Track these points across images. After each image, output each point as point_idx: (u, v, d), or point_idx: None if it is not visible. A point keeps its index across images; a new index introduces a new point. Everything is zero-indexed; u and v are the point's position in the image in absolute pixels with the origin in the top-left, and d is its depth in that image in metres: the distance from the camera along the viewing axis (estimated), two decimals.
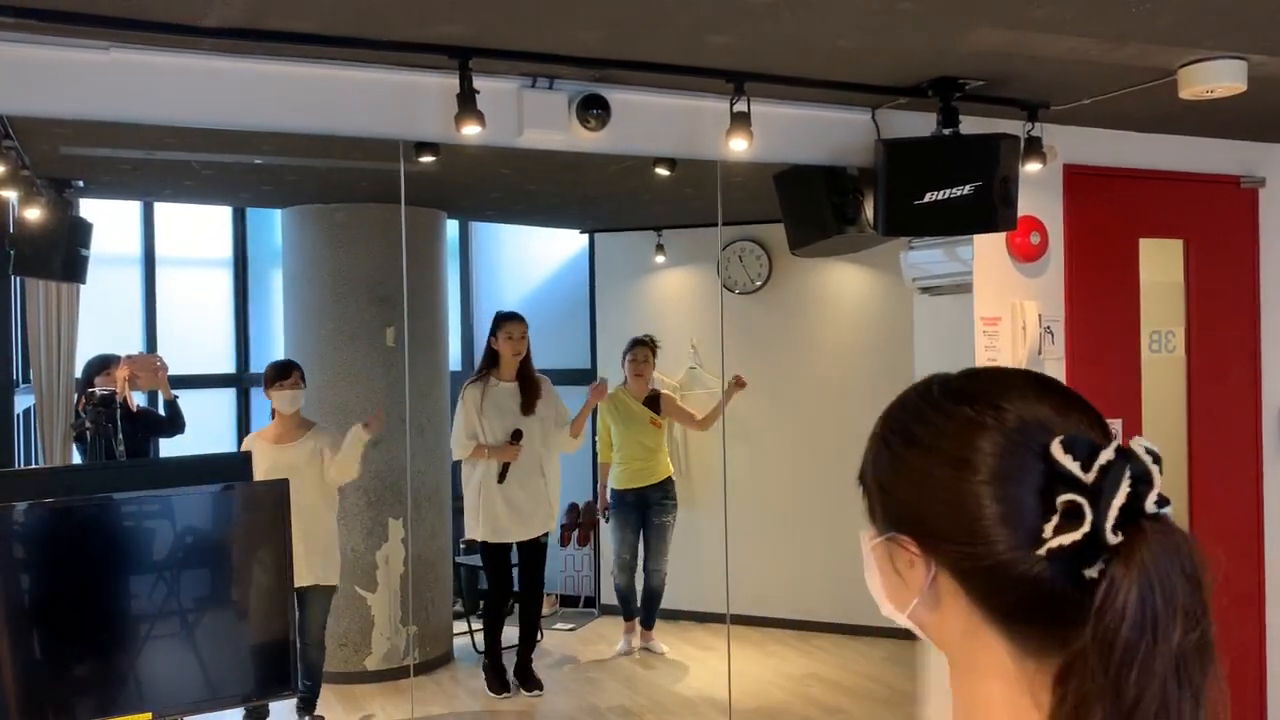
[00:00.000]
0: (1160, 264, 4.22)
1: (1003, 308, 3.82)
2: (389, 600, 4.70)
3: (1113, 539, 0.78)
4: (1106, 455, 0.80)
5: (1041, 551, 0.80)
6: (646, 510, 5.39)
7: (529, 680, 4.87)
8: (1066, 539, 0.78)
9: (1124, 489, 0.78)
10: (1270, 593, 4.34)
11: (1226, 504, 4.27)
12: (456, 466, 4.97)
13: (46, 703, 2.42)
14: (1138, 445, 0.82)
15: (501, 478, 4.73)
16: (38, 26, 2.56)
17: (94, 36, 2.64)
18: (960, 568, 0.84)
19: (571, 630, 5.67)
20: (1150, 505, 0.79)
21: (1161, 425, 4.18)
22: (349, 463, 4.23)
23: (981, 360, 3.81)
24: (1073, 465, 0.80)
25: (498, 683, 4.79)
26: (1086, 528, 0.78)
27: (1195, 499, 4.23)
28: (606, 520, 5.46)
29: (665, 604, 5.64)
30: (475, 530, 4.79)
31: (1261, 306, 4.32)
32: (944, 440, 0.86)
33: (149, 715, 2.45)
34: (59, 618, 2.45)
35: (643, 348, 5.36)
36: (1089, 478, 0.79)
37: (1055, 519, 0.79)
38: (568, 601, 5.89)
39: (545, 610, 5.61)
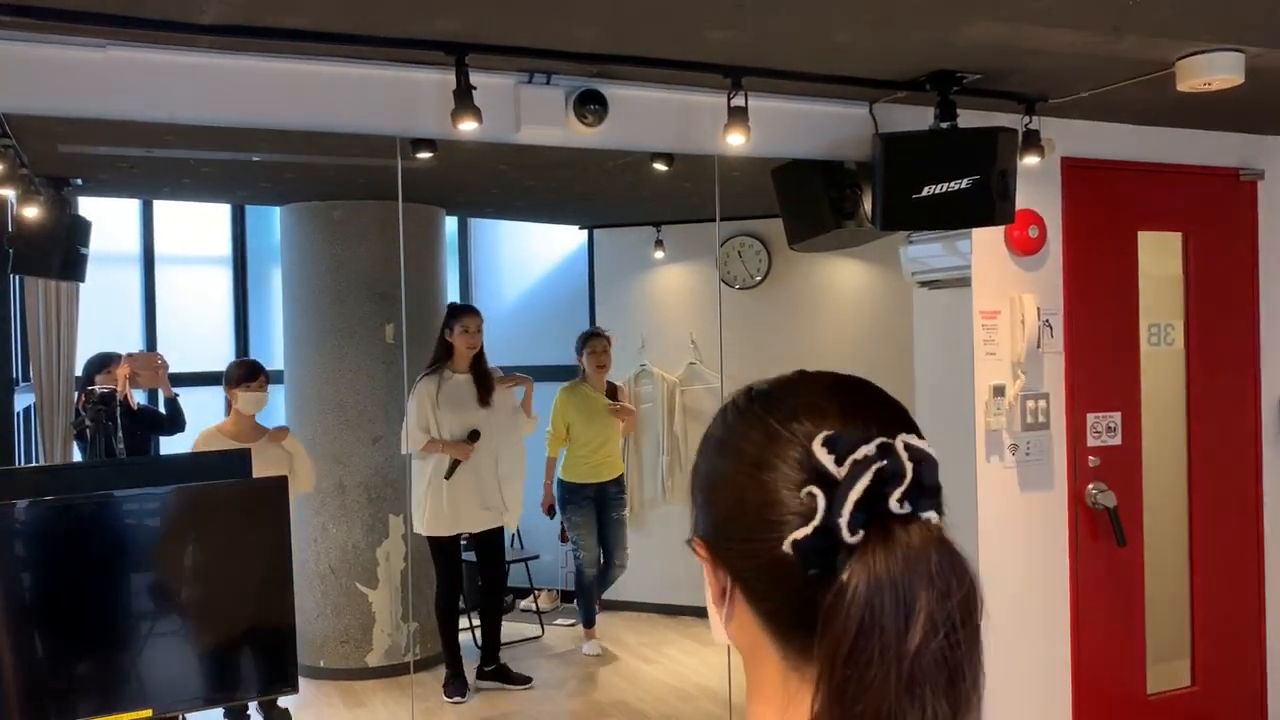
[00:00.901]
0: (1159, 257, 4.22)
1: (1001, 301, 3.83)
2: (390, 597, 4.71)
3: (849, 537, 0.74)
4: (864, 451, 0.77)
5: (785, 548, 0.77)
6: (604, 506, 5.35)
7: (509, 675, 4.84)
8: (800, 533, 0.76)
9: (862, 483, 0.75)
10: (1270, 583, 4.34)
11: (1226, 495, 4.28)
12: None
13: (47, 700, 2.42)
14: (904, 444, 0.78)
15: (449, 474, 4.68)
16: (34, 24, 2.56)
17: (91, 34, 2.64)
18: (737, 568, 0.83)
19: (573, 625, 5.67)
20: (895, 504, 0.75)
21: (1161, 418, 4.18)
22: (309, 475, 4.24)
23: (980, 354, 3.81)
24: (826, 459, 0.77)
25: (453, 686, 4.65)
26: (818, 521, 0.75)
27: (1195, 491, 4.24)
28: (553, 516, 5.38)
29: (668, 599, 5.65)
30: (421, 524, 4.72)
31: (1260, 299, 4.33)
32: (739, 440, 0.85)
33: (149, 712, 2.46)
34: (60, 615, 2.46)
35: (602, 339, 5.31)
36: (839, 472, 0.77)
37: (811, 518, 0.77)
38: (568, 597, 5.89)
39: (546, 606, 5.62)
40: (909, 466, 0.77)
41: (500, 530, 4.90)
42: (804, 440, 0.80)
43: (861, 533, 0.74)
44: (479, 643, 5.15)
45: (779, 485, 0.79)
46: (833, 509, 0.75)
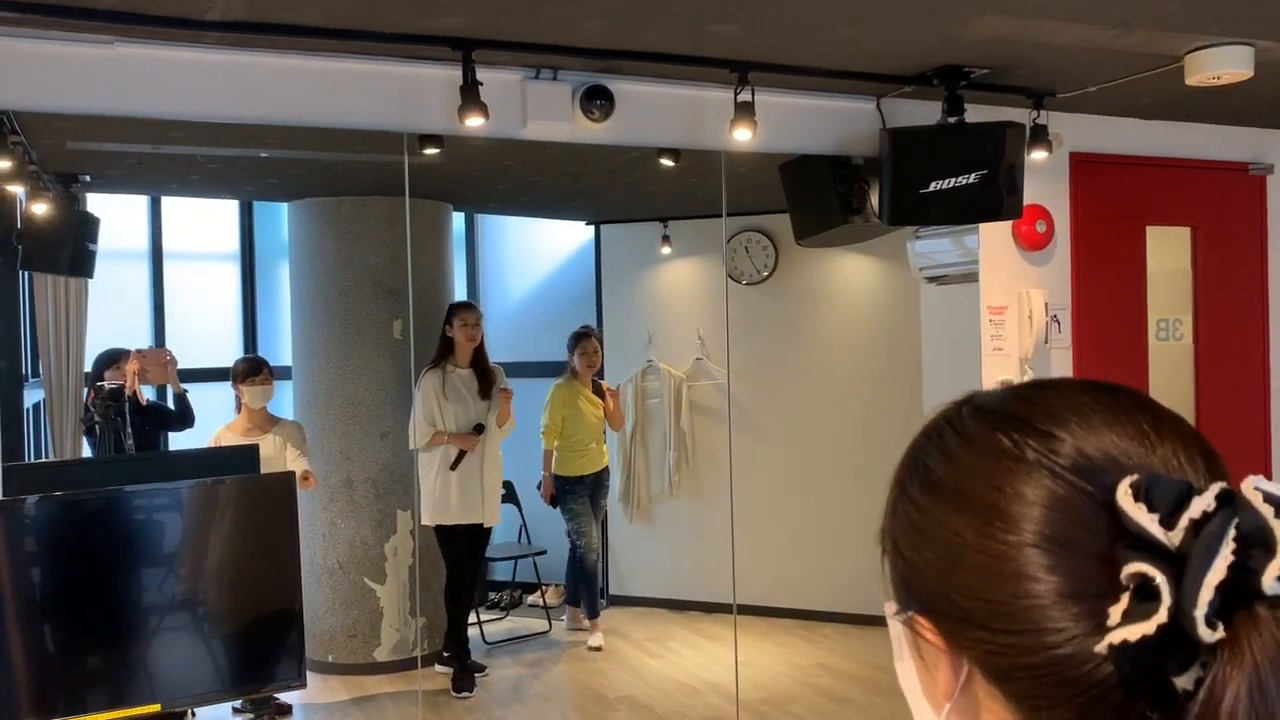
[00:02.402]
0: (1167, 251, 4.21)
1: (1009, 296, 3.82)
2: (398, 592, 4.72)
3: (1207, 634, 0.53)
4: (1202, 504, 0.54)
5: (1101, 647, 0.55)
6: (595, 493, 5.44)
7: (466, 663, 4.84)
8: (1134, 632, 0.54)
9: (1224, 557, 0.53)
10: None
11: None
12: None
13: (58, 694, 2.44)
14: (1254, 488, 0.55)
15: (455, 465, 4.74)
16: (42, 21, 2.57)
17: (98, 31, 2.65)
18: (997, 666, 0.60)
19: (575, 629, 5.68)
20: (1271, 582, 0.53)
21: None
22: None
23: (988, 350, 3.80)
24: (1147, 520, 0.55)
25: (461, 681, 4.67)
26: (1163, 616, 0.53)
27: None
28: (554, 507, 5.44)
29: (674, 594, 5.67)
30: (431, 515, 4.75)
31: (1269, 293, 4.31)
32: (973, 482, 0.62)
33: (158, 707, 2.47)
34: (70, 610, 2.47)
35: (592, 339, 5.40)
36: (1173, 538, 0.55)
37: (1123, 599, 0.55)
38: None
39: (553, 601, 5.63)
40: (1277, 526, 0.54)
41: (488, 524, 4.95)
42: (1089, 480, 0.59)
43: (1221, 628, 0.53)
44: (485, 637, 5.16)
45: (1072, 556, 0.58)
46: (1182, 597, 0.53)
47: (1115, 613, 0.55)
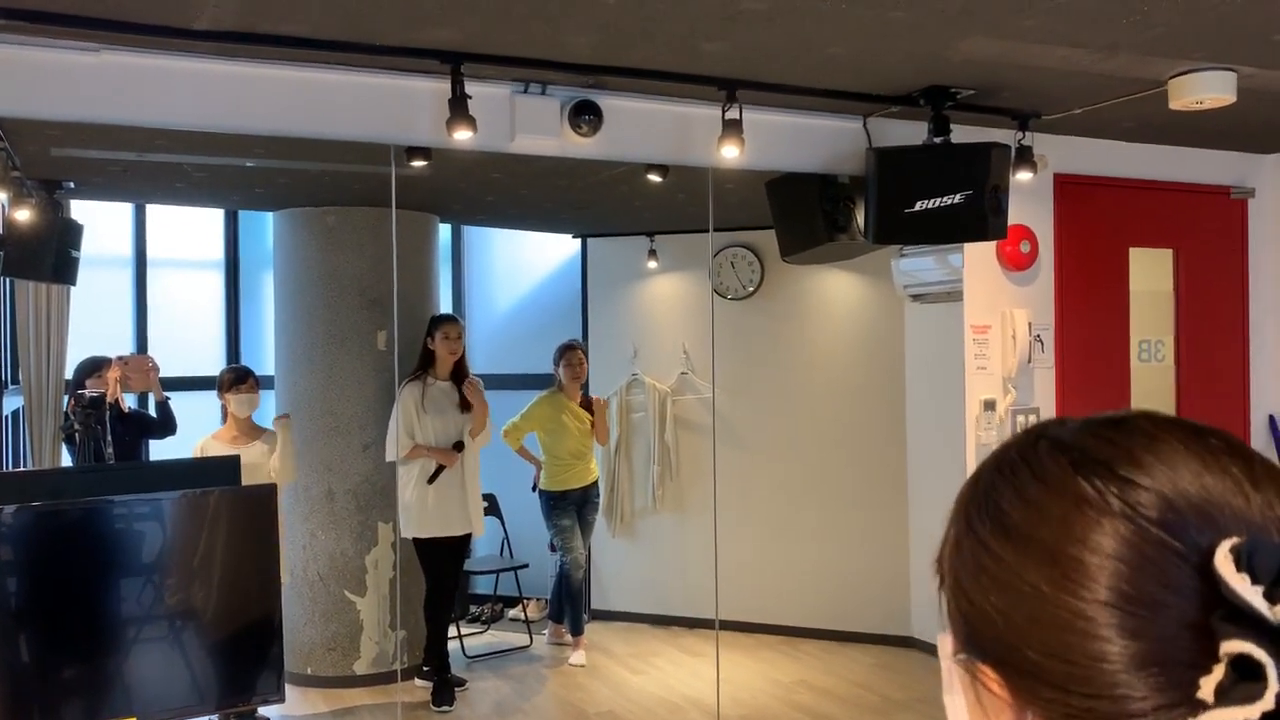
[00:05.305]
0: (1150, 273, 4.24)
1: (993, 316, 3.84)
2: (378, 605, 4.69)
3: None
4: None
5: None
6: (583, 508, 5.43)
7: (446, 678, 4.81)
8: (1234, 715, 0.49)
9: None
10: None
11: None
12: None
13: (33, 706, 2.41)
14: None
15: (433, 479, 4.72)
16: (28, 28, 2.56)
17: (84, 38, 2.64)
18: None
19: (558, 643, 5.65)
20: None
21: None
22: (288, 461, 4.26)
23: (971, 369, 3.81)
24: (1250, 592, 0.50)
25: (441, 694, 4.64)
26: (1269, 703, 0.49)
27: None
28: (534, 489, 5.42)
29: (657, 609, 5.65)
30: (410, 528, 4.73)
31: (1250, 316, 4.35)
32: (1047, 528, 0.57)
33: None
34: (46, 621, 2.44)
35: (577, 351, 5.39)
36: (1274, 613, 0.49)
37: (1216, 670, 0.51)
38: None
39: (534, 615, 5.61)
40: None
41: (469, 537, 4.92)
42: (1178, 537, 0.54)
43: None
44: (465, 651, 5.14)
45: (1157, 619, 0.53)
46: None
47: (1207, 686, 0.50)
